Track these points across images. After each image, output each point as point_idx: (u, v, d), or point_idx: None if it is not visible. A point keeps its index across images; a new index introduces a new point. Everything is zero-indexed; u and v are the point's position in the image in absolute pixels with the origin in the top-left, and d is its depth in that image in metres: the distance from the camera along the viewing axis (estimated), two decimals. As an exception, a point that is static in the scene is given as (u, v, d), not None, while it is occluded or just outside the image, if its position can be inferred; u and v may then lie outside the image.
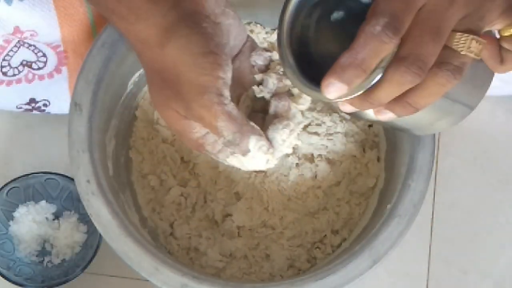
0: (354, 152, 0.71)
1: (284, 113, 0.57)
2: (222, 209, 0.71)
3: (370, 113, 0.49)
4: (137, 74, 0.70)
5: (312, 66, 0.50)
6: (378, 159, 0.72)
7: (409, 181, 0.63)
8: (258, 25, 0.73)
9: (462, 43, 0.44)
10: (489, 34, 0.49)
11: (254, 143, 0.53)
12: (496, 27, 0.47)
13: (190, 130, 0.53)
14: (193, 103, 0.51)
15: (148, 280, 0.60)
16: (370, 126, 0.73)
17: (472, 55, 0.45)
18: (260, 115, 0.58)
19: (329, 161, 0.71)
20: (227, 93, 0.52)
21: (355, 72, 0.44)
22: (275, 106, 0.57)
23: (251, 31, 0.72)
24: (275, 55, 0.58)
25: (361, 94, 0.45)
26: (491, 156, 0.81)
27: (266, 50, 0.58)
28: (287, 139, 0.56)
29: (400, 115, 0.47)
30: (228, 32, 0.54)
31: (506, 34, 0.47)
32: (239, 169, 0.69)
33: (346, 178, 0.71)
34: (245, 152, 0.53)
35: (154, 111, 0.72)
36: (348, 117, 0.71)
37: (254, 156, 0.54)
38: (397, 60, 0.43)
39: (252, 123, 0.54)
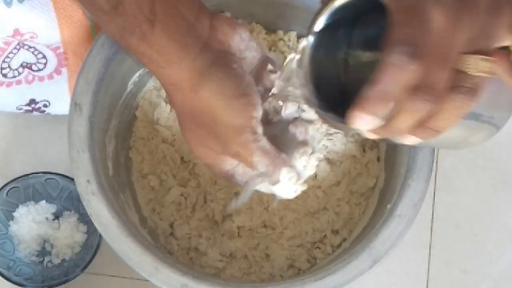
0: (354, 152, 0.71)
1: (302, 139, 0.59)
2: (222, 209, 0.71)
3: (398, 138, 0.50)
4: (137, 74, 0.70)
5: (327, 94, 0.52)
6: (378, 159, 0.72)
7: (409, 181, 0.63)
8: (258, 25, 0.73)
9: (471, 65, 0.44)
10: (503, 51, 0.48)
11: (285, 174, 0.56)
12: (505, 43, 0.47)
13: (223, 164, 0.56)
14: (230, 143, 0.54)
15: (148, 280, 0.60)
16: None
17: (483, 74, 0.45)
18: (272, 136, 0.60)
19: (329, 161, 0.71)
20: (260, 130, 0.54)
21: (380, 104, 0.44)
22: (293, 133, 0.59)
23: (252, 30, 0.73)
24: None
25: (382, 124, 0.46)
26: (491, 156, 0.81)
27: (271, 72, 0.58)
28: (307, 163, 0.58)
29: (424, 139, 0.47)
30: (252, 64, 0.57)
31: None
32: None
33: (346, 178, 0.71)
34: (275, 183, 0.56)
35: (154, 111, 0.72)
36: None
37: (283, 186, 0.56)
38: (409, 90, 0.44)
39: (283, 155, 0.56)
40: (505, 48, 0.47)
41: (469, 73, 0.45)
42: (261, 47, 0.58)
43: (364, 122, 0.45)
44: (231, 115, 0.53)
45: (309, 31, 0.52)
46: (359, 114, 0.45)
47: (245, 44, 0.56)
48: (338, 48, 0.53)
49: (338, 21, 0.51)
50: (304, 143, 0.58)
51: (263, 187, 0.57)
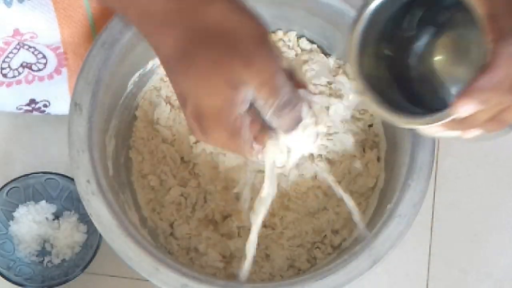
0: (354, 152, 0.71)
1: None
2: (222, 209, 0.71)
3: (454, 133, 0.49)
4: (137, 74, 0.70)
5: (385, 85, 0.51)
6: (378, 159, 0.72)
7: (409, 181, 0.63)
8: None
9: None
10: None
11: (306, 111, 0.50)
12: None
13: (234, 103, 0.48)
14: (254, 55, 0.48)
15: (148, 280, 0.60)
16: (370, 126, 0.73)
17: None
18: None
19: (329, 161, 0.71)
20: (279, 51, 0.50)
21: (491, 95, 0.43)
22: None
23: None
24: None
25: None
26: (491, 156, 0.81)
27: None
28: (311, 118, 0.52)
29: (491, 132, 0.47)
30: None
31: None
32: (239, 169, 0.69)
33: (346, 178, 0.71)
34: (297, 121, 0.50)
35: (154, 111, 0.72)
36: (348, 117, 0.71)
37: (303, 135, 0.51)
38: (493, 83, 0.43)
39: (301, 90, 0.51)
40: None
41: None
42: None
43: (469, 111, 0.44)
44: (250, 24, 0.48)
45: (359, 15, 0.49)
46: (467, 102, 0.43)
47: None
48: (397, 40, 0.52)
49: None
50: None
51: (272, 149, 0.51)
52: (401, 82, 0.53)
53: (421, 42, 0.53)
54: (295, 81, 0.51)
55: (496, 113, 0.45)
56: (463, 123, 0.46)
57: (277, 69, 0.48)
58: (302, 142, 0.52)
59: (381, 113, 0.50)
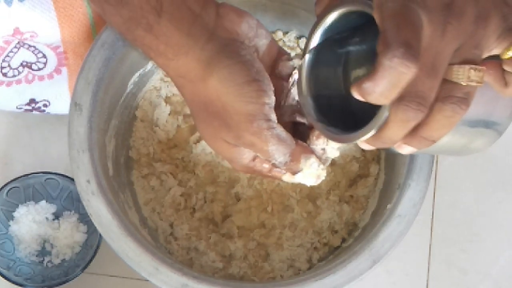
0: (354, 152, 0.71)
1: None
2: (221, 210, 0.71)
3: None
4: (137, 74, 0.70)
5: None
6: (378, 159, 0.72)
7: (409, 181, 0.63)
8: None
9: (461, 75, 0.44)
10: (493, 59, 0.48)
11: (304, 162, 0.54)
12: (495, 51, 0.46)
13: (241, 157, 0.54)
14: (243, 132, 0.52)
15: (148, 280, 0.60)
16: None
17: (474, 83, 0.44)
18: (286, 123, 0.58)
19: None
20: (274, 117, 0.53)
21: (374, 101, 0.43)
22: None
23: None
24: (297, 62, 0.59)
25: (373, 134, 0.46)
26: (491, 156, 0.81)
27: (289, 59, 0.58)
28: (326, 146, 0.56)
29: (419, 148, 0.47)
30: (262, 51, 0.56)
31: (506, 57, 0.47)
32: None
33: (346, 178, 0.71)
34: (296, 172, 0.55)
35: (154, 111, 0.72)
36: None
37: (305, 174, 0.55)
38: (396, 99, 0.43)
39: (300, 142, 0.55)
40: (495, 57, 0.47)
41: (460, 83, 0.44)
42: (270, 34, 0.57)
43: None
44: (242, 102, 0.51)
45: (305, 49, 0.52)
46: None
47: (253, 32, 0.55)
48: (337, 63, 0.53)
49: (334, 36, 0.51)
50: None
51: (286, 177, 0.55)
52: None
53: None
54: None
55: (410, 129, 0.45)
56: (381, 140, 0.46)
57: (269, 139, 0.52)
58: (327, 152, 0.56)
59: (316, 126, 0.52)
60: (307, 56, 0.52)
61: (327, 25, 0.50)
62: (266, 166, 0.55)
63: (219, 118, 0.53)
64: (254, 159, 0.55)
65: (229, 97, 0.52)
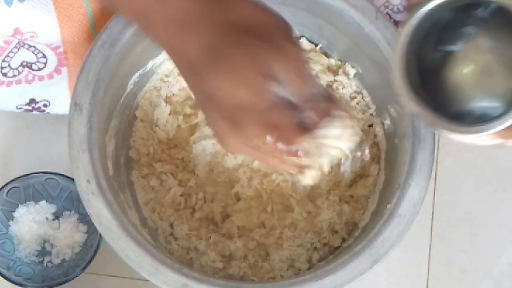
0: (354, 152, 0.71)
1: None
2: (221, 210, 0.71)
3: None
4: (137, 74, 0.70)
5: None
6: (378, 159, 0.72)
7: (409, 181, 0.63)
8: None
9: None
10: None
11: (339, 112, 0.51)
12: None
13: (267, 90, 0.49)
14: (285, 46, 0.49)
15: (148, 280, 0.60)
16: (370, 126, 0.73)
17: None
18: None
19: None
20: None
21: None
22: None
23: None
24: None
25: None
26: (491, 156, 0.81)
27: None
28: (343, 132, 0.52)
29: None
30: None
31: None
32: (239, 169, 0.69)
33: (346, 178, 0.71)
34: (327, 113, 0.51)
35: (154, 111, 0.72)
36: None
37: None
38: None
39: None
40: None
41: None
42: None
43: None
44: (279, 17, 0.51)
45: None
46: None
47: None
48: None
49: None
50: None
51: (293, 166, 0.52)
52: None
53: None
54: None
55: None
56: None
57: (306, 60, 0.50)
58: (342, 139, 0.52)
59: (435, 126, 0.49)
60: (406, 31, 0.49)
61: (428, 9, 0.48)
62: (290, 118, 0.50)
63: (254, 37, 0.49)
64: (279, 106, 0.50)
65: (266, 11, 0.50)
